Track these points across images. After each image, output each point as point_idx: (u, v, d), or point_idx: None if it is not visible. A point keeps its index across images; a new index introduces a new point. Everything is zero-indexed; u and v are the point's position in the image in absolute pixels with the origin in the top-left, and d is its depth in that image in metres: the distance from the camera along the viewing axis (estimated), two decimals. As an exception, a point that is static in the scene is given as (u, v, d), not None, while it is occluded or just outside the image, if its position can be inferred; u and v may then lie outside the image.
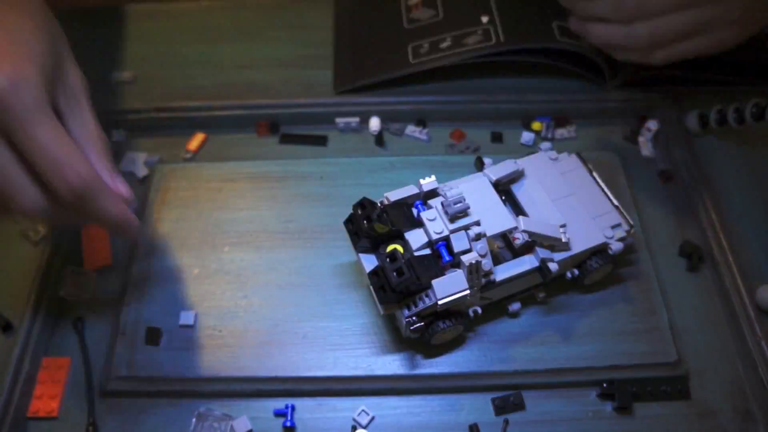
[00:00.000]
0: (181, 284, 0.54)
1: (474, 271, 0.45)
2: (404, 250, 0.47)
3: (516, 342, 0.51)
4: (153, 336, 0.51)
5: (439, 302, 0.45)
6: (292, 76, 0.67)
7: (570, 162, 0.55)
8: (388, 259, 0.46)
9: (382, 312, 0.47)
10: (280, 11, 0.74)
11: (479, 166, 0.53)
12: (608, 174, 0.60)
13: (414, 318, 0.46)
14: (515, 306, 0.51)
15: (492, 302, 0.50)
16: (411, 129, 0.64)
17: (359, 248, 0.49)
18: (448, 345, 0.50)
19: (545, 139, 0.63)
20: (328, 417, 0.48)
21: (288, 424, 0.47)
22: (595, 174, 0.54)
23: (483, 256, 0.46)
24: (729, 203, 0.58)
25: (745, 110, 0.58)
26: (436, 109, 0.64)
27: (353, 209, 0.48)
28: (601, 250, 0.50)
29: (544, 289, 0.52)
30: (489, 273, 0.47)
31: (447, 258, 0.46)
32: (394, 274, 0.44)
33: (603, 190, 0.53)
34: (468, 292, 0.46)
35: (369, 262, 0.48)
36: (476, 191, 0.50)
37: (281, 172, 0.60)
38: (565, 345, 0.50)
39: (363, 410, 0.48)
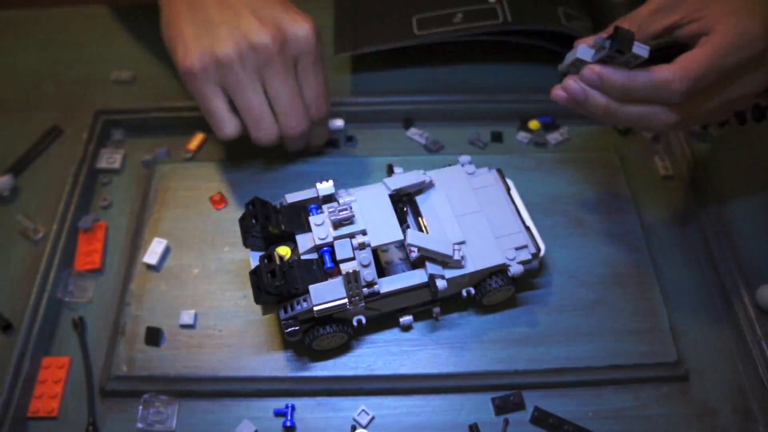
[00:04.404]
0: (181, 284, 0.54)
1: (352, 280, 0.45)
2: (293, 253, 0.48)
3: (516, 342, 0.50)
4: (153, 336, 0.51)
5: (315, 309, 0.45)
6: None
7: (487, 178, 0.53)
8: (265, 260, 0.46)
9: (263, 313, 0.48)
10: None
11: (389, 173, 0.52)
12: (608, 174, 0.60)
13: (290, 321, 0.46)
14: (406, 319, 0.50)
15: (381, 314, 0.50)
16: (413, 131, 0.64)
17: (251, 246, 0.49)
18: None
19: (537, 143, 0.63)
20: (328, 417, 0.48)
21: (288, 424, 0.47)
22: (512, 192, 0.53)
23: (365, 266, 0.46)
24: (729, 203, 0.58)
25: (746, 111, 0.58)
26: (436, 109, 0.64)
27: (245, 207, 0.49)
28: (501, 271, 0.49)
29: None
30: (372, 284, 0.46)
31: (329, 264, 0.47)
32: (268, 275, 0.45)
33: (517, 209, 0.52)
34: (345, 301, 0.46)
35: (257, 260, 0.48)
36: (371, 200, 0.49)
37: (281, 172, 0.60)
38: (565, 345, 0.50)
39: (363, 410, 0.48)
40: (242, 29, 0.51)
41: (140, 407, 0.48)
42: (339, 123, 0.61)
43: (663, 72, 0.45)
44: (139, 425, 0.47)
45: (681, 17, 0.47)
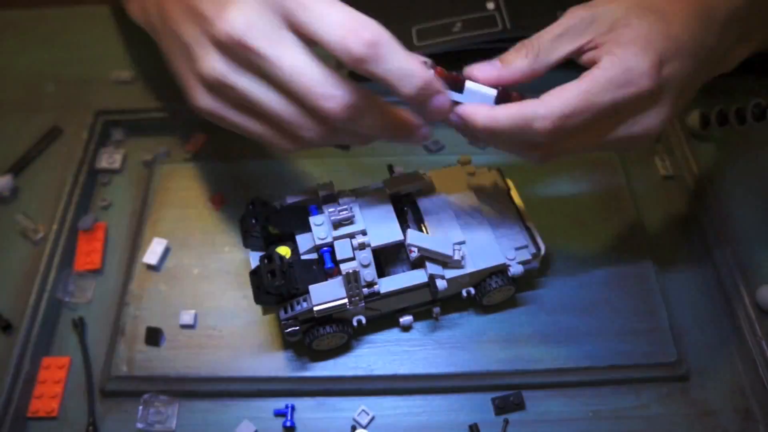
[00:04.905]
0: (181, 284, 0.54)
1: (352, 280, 0.45)
2: (293, 253, 0.48)
3: (516, 342, 0.50)
4: (153, 336, 0.51)
5: (315, 309, 0.45)
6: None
7: (487, 178, 0.54)
8: (265, 260, 0.46)
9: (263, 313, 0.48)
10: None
11: (390, 173, 0.52)
12: (608, 174, 0.60)
13: (290, 321, 0.46)
14: (406, 319, 0.50)
15: (381, 314, 0.49)
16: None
17: (251, 246, 0.49)
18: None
19: None
20: (328, 417, 0.48)
21: (288, 424, 0.47)
22: (513, 192, 0.53)
23: (365, 266, 0.46)
24: (729, 203, 0.58)
25: (746, 110, 0.58)
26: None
27: (246, 207, 0.49)
28: (501, 271, 0.49)
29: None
30: (372, 284, 0.46)
31: (329, 264, 0.47)
32: (268, 275, 0.45)
33: (517, 209, 0.52)
34: (345, 301, 0.46)
35: (257, 260, 0.48)
36: (372, 201, 0.49)
37: (281, 172, 0.61)
38: (565, 345, 0.50)
39: (363, 410, 0.48)
40: (206, 30, 0.39)
41: (140, 407, 0.48)
42: None
43: (526, 109, 0.40)
44: (139, 425, 0.47)
45: (586, 42, 0.42)
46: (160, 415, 0.47)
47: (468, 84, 0.42)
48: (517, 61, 0.43)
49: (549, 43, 0.43)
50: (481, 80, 0.43)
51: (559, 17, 0.57)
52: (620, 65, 0.40)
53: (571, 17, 0.43)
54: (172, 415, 0.48)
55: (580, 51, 0.43)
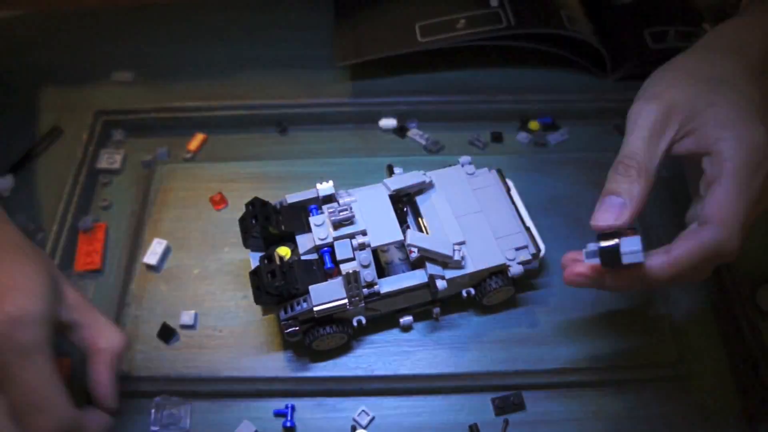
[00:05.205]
0: (181, 284, 0.54)
1: (352, 280, 0.45)
2: (293, 253, 0.48)
3: (516, 342, 0.51)
4: (166, 333, 0.51)
5: (315, 309, 0.45)
6: (293, 76, 0.67)
7: (487, 178, 0.53)
8: (266, 260, 0.47)
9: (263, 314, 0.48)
10: (281, 11, 0.74)
11: (389, 173, 0.52)
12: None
13: (290, 321, 0.46)
14: (406, 320, 0.50)
15: (381, 314, 0.49)
16: (414, 132, 0.64)
17: (251, 246, 0.49)
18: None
19: (537, 143, 0.63)
20: (328, 417, 0.48)
21: (288, 424, 0.47)
22: (512, 192, 0.53)
23: (365, 267, 0.46)
24: (729, 203, 0.58)
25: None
26: (436, 110, 0.64)
27: (245, 207, 0.49)
28: (501, 271, 0.49)
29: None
30: (372, 284, 0.46)
31: (329, 265, 0.47)
32: (268, 275, 0.45)
33: (517, 209, 0.52)
34: (345, 301, 0.46)
35: (257, 260, 0.48)
36: (372, 200, 0.49)
37: (281, 172, 0.61)
38: (565, 345, 0.50)
39: (363, 410, 0.48)
40: None
41: (152, 410, 0.48)
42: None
43: (706, 239, 0.38)
44: (153, 428, 0.47)
45: (675, 133, 0.41)
46: (173, 418, 0.47)
47: (622, 249, 0.39)
48: (635, 188, 0.41)
49: (647, 154, 0.41)
50: (613, 226, 0.41)
51: (563, 16, 0.54)
52: (745, 147, 0.38)
53: (643, 116, 0.41)
54: (185, 416, 0.47)
55: (673, 143, 0.41)
